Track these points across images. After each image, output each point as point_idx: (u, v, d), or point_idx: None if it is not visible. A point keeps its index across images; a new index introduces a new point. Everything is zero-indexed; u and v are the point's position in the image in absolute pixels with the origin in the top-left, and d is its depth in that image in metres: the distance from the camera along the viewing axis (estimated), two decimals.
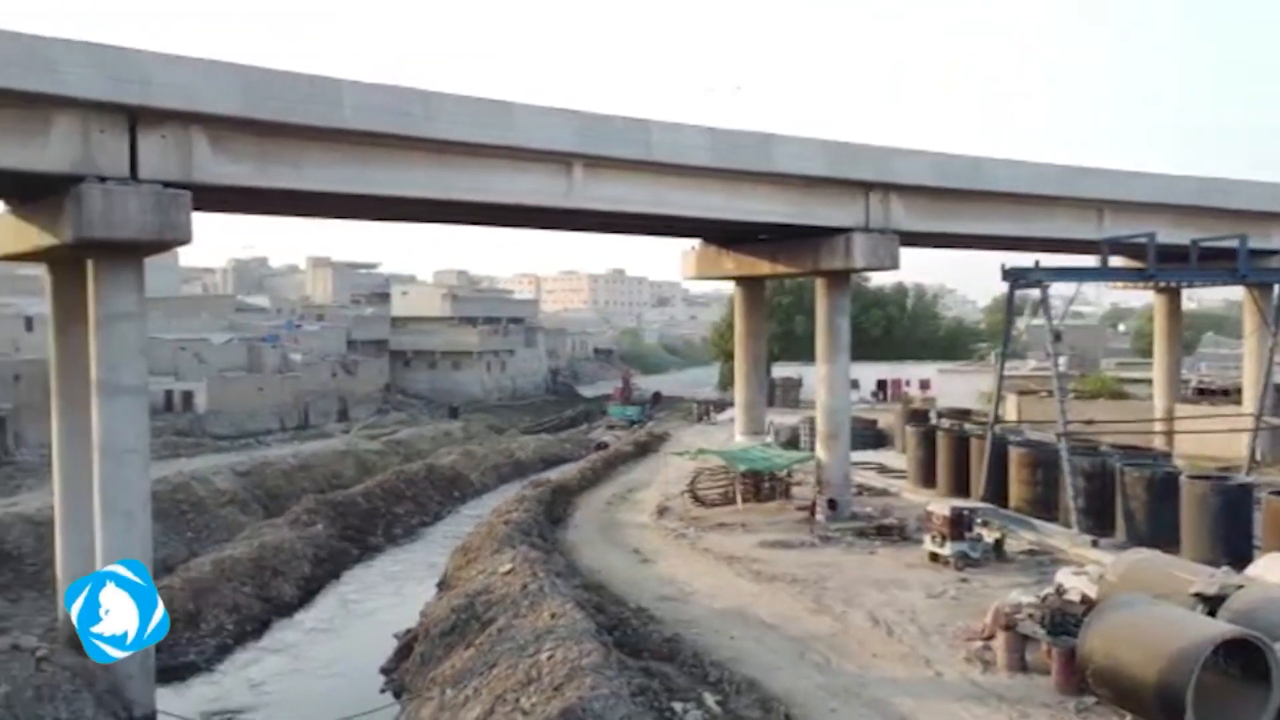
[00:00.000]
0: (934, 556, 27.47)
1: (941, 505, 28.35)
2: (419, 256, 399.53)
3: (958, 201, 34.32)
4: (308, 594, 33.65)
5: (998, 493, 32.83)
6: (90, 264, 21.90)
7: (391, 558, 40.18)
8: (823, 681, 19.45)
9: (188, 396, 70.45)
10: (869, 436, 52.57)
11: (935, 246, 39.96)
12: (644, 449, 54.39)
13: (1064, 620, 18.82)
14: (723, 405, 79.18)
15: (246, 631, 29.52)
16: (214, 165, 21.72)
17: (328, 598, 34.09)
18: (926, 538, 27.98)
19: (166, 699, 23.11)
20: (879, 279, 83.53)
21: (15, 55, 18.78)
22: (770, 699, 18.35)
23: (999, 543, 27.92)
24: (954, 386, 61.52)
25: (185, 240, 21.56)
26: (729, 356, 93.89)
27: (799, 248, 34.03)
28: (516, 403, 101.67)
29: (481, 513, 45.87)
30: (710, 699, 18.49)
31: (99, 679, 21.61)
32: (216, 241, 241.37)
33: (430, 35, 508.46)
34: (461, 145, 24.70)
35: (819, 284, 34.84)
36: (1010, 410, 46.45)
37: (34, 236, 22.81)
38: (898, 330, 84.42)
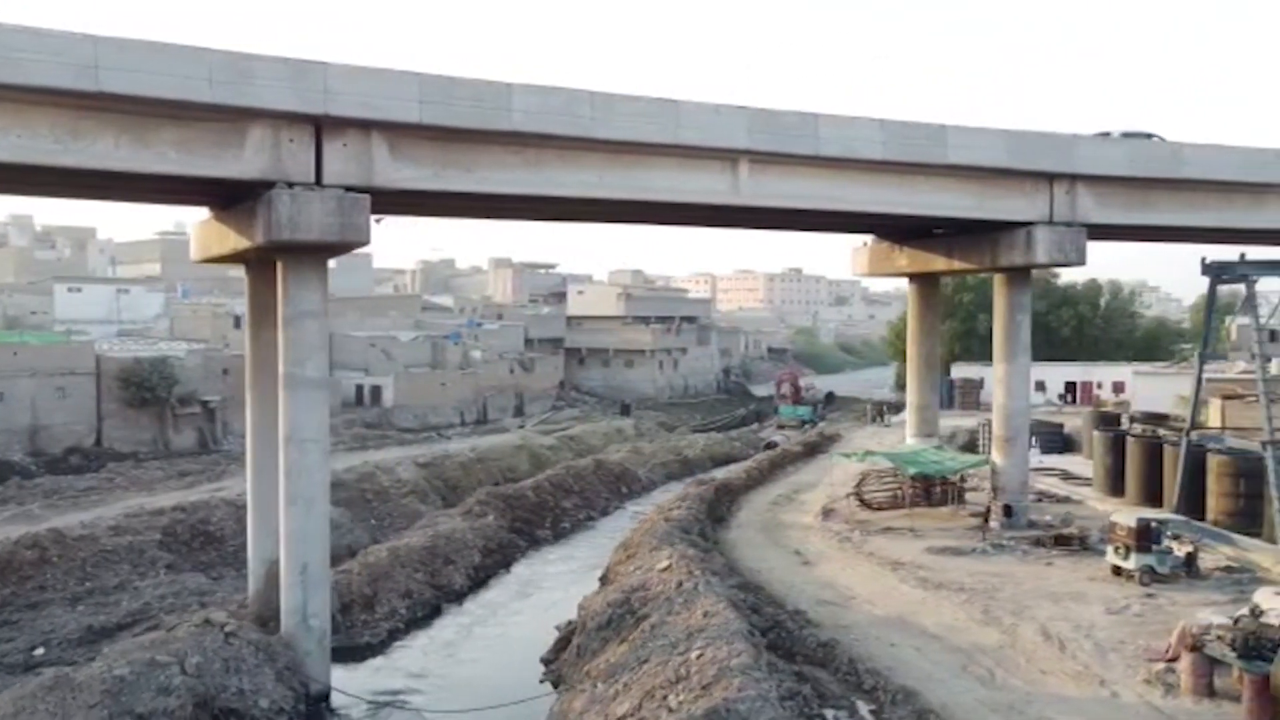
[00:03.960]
0: (1117, 570, 25.83)
1: (1127, 515, 26.59)
2: (596, 257, 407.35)
3: (1154, 191, 32.10)
4: (476, 583, 34.74)
5: (1193, 503, 30.60)
6: (279, 265, 23.39)
7: (557, 551, 41.03)
8: (985, 696, 18.62)
9: (377, 391, 74.21)
10: (1055, 441, 50.04)
11: (1128, 240, 37.51)
12: (813, 450, 53.51)
13: (1259, 644, 17.28)
14: (898, 406, 77.03)
15: (418, 617, 30.72)
16: (391, 170, 22.75)
17: (495, 587, 35.13)
18: (1109, 549, 26.33)
19: (340, 678, 24.38)
20: (1069, 275, 79.16)
21: (219, 72, 20.17)
22: (927, 711, 17.69)
23: (1191, 557, 25.96)
24: (1151, 389, 57.60)
25: (364, 242, 22.73)
26: (906, 356, 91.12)
27: (976, 242, 32.68)
28: (688, 401, 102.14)
29: (646, 509, 46.32)
30: (864, 708, 18.00)
31: (280, 655, 23.02)
32: (408, 245, 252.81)
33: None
34: (630, 145, 24.87)
35: (997, 280, 33.42)
36: (1214, 416, 43.12)
37: (231, 240, 24.58)
38: (1089, 329, 79.60)
